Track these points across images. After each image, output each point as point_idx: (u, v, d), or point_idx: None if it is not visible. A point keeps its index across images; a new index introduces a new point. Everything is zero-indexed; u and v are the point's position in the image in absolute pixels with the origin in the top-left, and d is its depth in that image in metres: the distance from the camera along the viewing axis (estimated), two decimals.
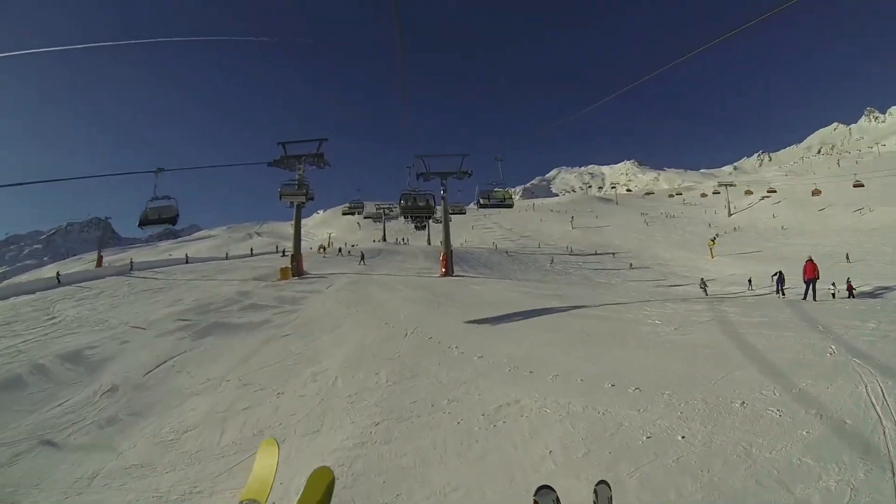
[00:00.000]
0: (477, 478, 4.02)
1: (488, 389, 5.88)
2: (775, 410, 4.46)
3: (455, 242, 30.62)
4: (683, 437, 4.17)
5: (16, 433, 6.28)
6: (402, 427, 5.12)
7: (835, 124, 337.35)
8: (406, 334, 9.21)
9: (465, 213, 46.72)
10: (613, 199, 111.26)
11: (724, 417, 4.45)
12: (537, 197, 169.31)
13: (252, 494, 3.04)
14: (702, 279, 25.71)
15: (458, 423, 5.06)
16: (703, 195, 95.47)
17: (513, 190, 29.23)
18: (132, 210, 15.19)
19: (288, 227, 25.05)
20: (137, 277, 21.59)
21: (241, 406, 6.51)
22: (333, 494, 3.08)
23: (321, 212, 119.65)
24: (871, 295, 17.90)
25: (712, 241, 51.21)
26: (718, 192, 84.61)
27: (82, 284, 19.84)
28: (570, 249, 56.30)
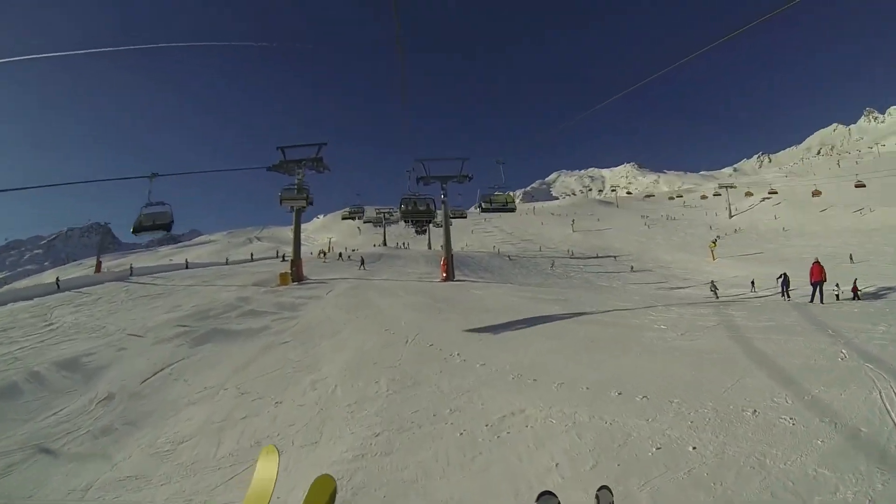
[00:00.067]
0: (481, 491, 3.89)
1: (491, 398, 5.73)
2: (788, 419, 4.32)
3: (456, 246, 30.48)
4: (694, 448, 4.02)
5: (10, 443, 6.19)
6: (403, 438, 4.99)
7: (834, 125, 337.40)
8: (407, 341, 9.08)
9: (465, 217, 46.60)
10: (614, 202, 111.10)
11: (736, 426, 4.31)
12: (537, 200, 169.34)
13: None
14: (712, 282, 25.19)
15: (461, 433, 4.92)
16: (704, 197, 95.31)
17: (513, 193, 28.94)
18: (132, 215, 15.00)
19: (288, 232, 24.96)
20: (136, 283, 21.51)
21: (239, 416, 6.39)
22: None
23: (321, 216, 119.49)
24: (874, 296, 17.75)
25: (713, 243, 51.07)
26: (719, 194, 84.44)
27: (81, 290, 19.76)
28: (570, 253, 56.11)
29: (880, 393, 4.61)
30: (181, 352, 9.78)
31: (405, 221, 25.42)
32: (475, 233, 74.40)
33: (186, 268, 30.71)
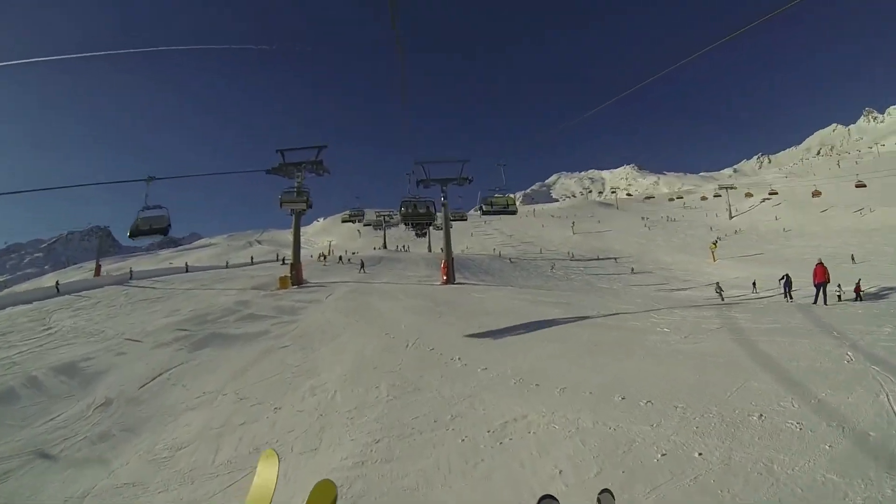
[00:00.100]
0: (483, 499, 3.82)
1: (493, 404, 5.66)
2: (795, 423, 4.26)
3: (456, 249, 30.40)
4: (700, 455, 3.95)
5: (6, 449, 6.12)
6: (404, 445, 4.90)
7: (833, 125, 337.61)
8: (407, 345, 9.00)
9: (465, 220, 46.53)
10: (614, 204, 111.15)
11: (742, 432, 4.24)
12: (537, 202, 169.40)
13: None
14: (717, 283, 25.06)
15: (463, 440, 4.84)
16: (704, 198, 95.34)
17: (513, 195, 28.75)
18: (131, 218, 14.89)
19: (288, 235, 24.93)
20: (135, 287, 21.44)
21: (238, 422, 6.30)
22: None
23: (321, 219, 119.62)
24: (876, 296, 17.68)
25: (714, 244, 51.02)
26: (719, 196, 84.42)
27: (81, 294, 19.70)
28: (571, 255, 56.06)
29: (888, 396, 4.56)
30: (180, 356, 9.70)
31: (405, 224, 25.38)
32: (475, 235, 74.39)
33: (186, 271, 30.68)
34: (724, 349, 6.91)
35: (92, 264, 61.70)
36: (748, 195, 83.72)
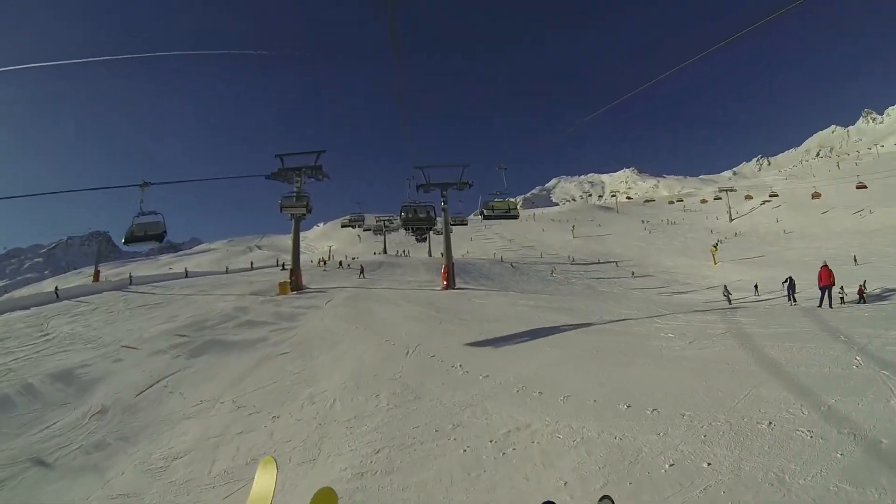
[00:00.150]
0: None
1: (496, 412, 5.53)
2: (805, 431, 4.15)
3: (456, 254, 30.31)
4: (709, 465, 3.84)
5: (0, 458, 5.99)
6: (405, 456, 4.78)
7: (833, 127, 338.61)
8: (407, 352, 8.87)
9: (466, 224, 46.46)
10: (614, 208, 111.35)
11: (752, 440, 4.13)
12: (537, 206, 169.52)
13: None
14: (725, 287, 24.69)
15: (465, 450, 4.72)
16: (704, 201, 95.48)
17: (514, 200, 28.55)
18: (129, 224, 14.69)
19: (288, 240, 24.88)
20: (134, 293, 21.36)
21: (235, 431, 6.19)
22: None
23: (321, 224, 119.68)
24: (879, 297, 17.57)
25: (714, 247, 50.93)
26: (720, 198, 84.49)
27: (80, 299, 19.63)
28: (571, 259, 56.02)
29: None
30: (177, 363, 9.59)
31: (405, 229, 25.29)
32: (474, 240, 74.40)
33: (186, 277, 30.60)
34: (730, 355, 6.80)
35: (92, 269, 61.72)
36: (748, 197, 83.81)
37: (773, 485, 3.47)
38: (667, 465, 3.91)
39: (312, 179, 22.85)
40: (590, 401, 5.50)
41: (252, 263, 47.96)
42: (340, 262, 42.64)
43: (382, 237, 64.58)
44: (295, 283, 21.27)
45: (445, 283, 22.56)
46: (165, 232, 14.76)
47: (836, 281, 14.42)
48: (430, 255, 56.16)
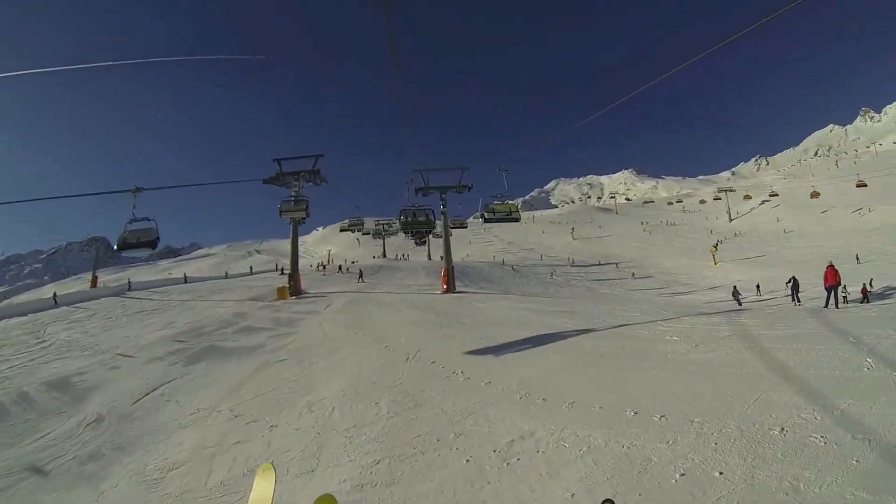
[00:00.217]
0: None
1: (499, 420, 5.38)
2: (819, 437, 4.02)
3: (456, 257, 30.17)
4: (721, 474, 3.70)
5: None
6: (406, 466, 4.63)
7: (831, 126, 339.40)
8: (407, 358, 8.70)
9: (466, 227, 46.37)
10: (613, 209, 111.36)
11: (764, 447, 3.99)
12: (537, 209, 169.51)
13: None
14: (734, 287, 24.27)
15: (467, 460, 4.56)
16: (703, 202, 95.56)
17: (516, 202, 28.26)
18: (120, 231, 14.46)
19: (287, 245, 24.80)
20: (132, 298, 21.22)
21: (232, 441, 6.05)
22: None
23: (321, 228, 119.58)
24: (881, 296, 17.49)
25: (714, 247, 50.90)
26: (719, 198, 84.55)
27: (78, 305, 19.50)
28: (571, 261, 55.95)
29: None
30: (174, 371, 9.46)
31: (405, 233, 25.18)
32: (473, 243, 74.28)
33: (185, 282, 30.45)
34: (737, 358, 6.66)
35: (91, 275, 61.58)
36: (747, 197, 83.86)
37: (787, 494, 3.34)
38: (677, 475, 3.78)
39: (311, 184, 22.76)
40: (595, 407, 5.35)
41: (251, 268, 47.84)
42: (340, 267, 42.52)
43: (382, 241, 64.49)
44: (294, 288, 21.13)
45: (445, 286, 22.43)
46: (158, 238, 14.48)
47: (842, 281, 14.31)
48: (429, 258, 56.09)
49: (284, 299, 19.60)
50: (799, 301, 17.62)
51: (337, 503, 2.86)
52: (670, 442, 4.31)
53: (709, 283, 36.80)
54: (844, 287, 15.86)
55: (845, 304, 14.61)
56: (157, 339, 12.14)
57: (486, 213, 21.04)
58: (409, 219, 21.56)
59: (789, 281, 18.70)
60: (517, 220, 21.65)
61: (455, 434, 5.19)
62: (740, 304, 20.53)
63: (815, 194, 66.76)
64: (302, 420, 6.35)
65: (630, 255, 58.86)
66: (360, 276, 31.53)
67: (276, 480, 2.85)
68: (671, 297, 29.39)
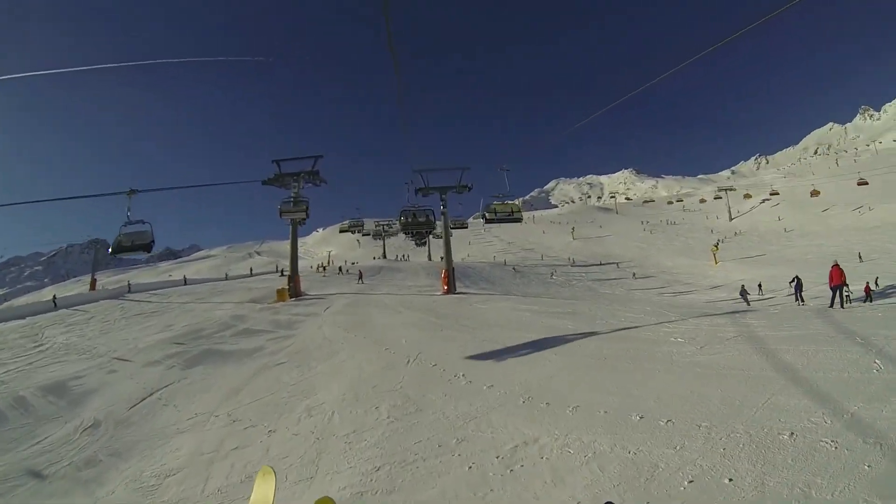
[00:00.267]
0: None
1: (501, 425, 5.27)
2: (829, 441, 3.91)
3: (456, 257, 30.06)
4: (731, 480, 3.60)
5: None
6: (406, 473, 4.52)
7: (830, 124, 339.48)
8: (408, 361, 8.59)
9: (466, 228, 46.31)
10: (613, 209, 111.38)
11: (774, 453, 3.88)
12: (537, 209, 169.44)
13: None
14: (742, 287, 23.85)
15: (469, 467, 4.46)
16: (703, 201, 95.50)
17: (517, 202, 28.04)
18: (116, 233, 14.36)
19: (287, 246, 24.73)
20: (131, 301, 21.15)
21: (230, 446, 5.95)
22: None
23: (320, 230, 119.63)
24: (882, 295, 17.40)
25: (715, 246, 50.84)
26: (719, 198, 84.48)
27: (77, 308, 19.44)
28: (571, 261, 55.89)
29: None
30: (172, 374, 9.37)
31: (405, 233, 25.08)
32: (473, 244, 74.23)
33: (185, 284, 30.38)
34: (744, 360, 6.54)
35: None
36: (747, 196, 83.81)
37: (799, 501, 3.24)
38: (686, 482, 3.67)
39: (310, 184, 22.67)
40: (600, 412, 5.24)
41: (251, 270, 47.81)
42: (340, 268, 42.46)
43: (382, 242, 64.46)
44: (293, 290, 21.04)
45: (446, 287, 22.32)
46: (153, 241, 14.35)
47: (847, 280, 14.19)
48: (429, 259, 56.00)
49: (284, 301, 19.52)
50: (802, 301, 17.51)
51: None
52: (678, 447, 4.20)
53: (710, 282, 36.72)
54: (847, 286, 15.76)
55: (849, 304, 14.49)
56: (155, 343, 12.07)
57: (487, 214, 20.92)
58: (410, 219, 21.48)
59: (793, 280, 18.59)
60: (519, 220, 21.51)
61: (457, 440, 5.08)
62: (748, 304, 20.29)
63: (815, 193, 66.73)
64: (301, 425, 6.26)
65: (630, 254, 58.81)
66: (360, 277, 31.44)
67: (276, 484, 2.78)
68: (673, 297, 29.32)
